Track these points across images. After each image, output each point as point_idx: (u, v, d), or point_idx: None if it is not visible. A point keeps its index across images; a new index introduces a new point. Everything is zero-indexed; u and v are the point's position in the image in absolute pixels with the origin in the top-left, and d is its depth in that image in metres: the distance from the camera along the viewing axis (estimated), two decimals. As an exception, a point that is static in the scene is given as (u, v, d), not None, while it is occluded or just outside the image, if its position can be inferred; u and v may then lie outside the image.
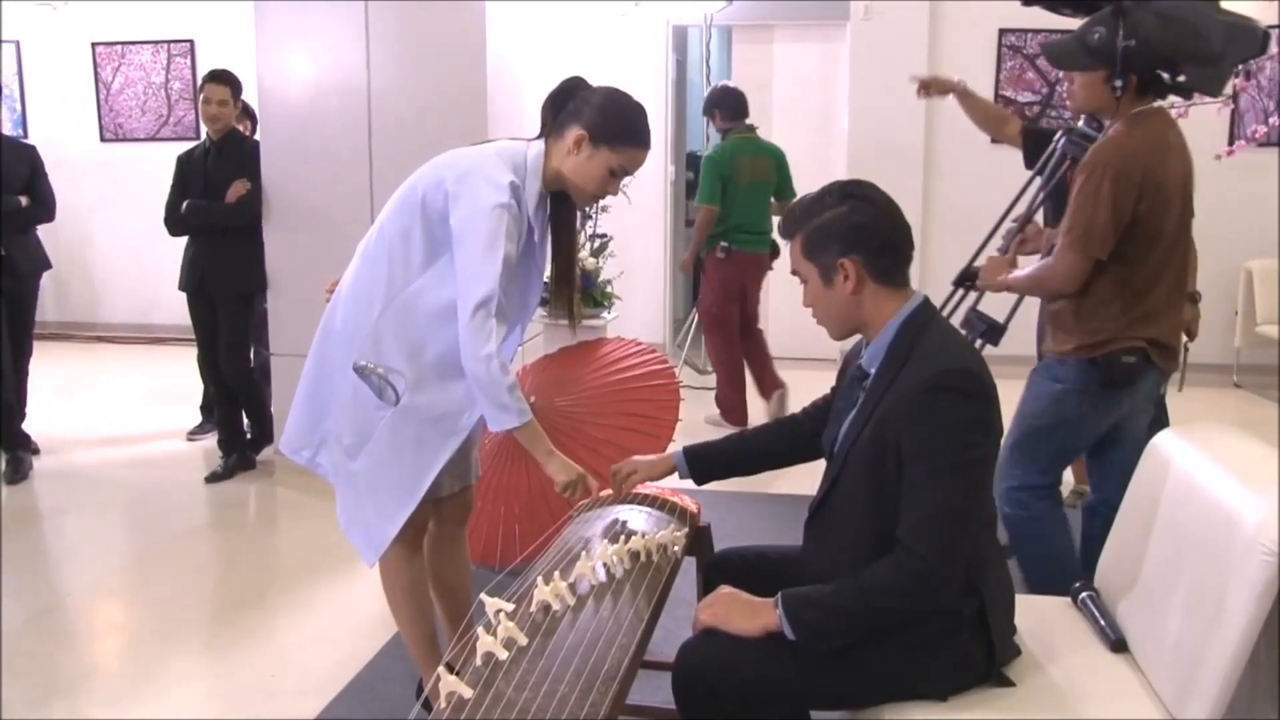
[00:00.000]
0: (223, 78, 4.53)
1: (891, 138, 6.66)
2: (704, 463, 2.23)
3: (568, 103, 2.25)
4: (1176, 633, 1.79)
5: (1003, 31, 6.37)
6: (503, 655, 1.58)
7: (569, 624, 1.70)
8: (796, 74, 7.01)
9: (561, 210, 2.38)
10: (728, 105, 5.39)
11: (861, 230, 1.83)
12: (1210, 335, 6.24)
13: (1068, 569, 2.72)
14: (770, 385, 5.26)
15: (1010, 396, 2.25)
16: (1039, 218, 3.16)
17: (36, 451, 4.77)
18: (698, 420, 5.22)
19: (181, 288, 4.71)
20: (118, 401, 5.65)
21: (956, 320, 2.76)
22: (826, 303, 1.89)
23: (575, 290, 2.49)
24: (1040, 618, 2.10)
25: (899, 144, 6.65)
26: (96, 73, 7.83)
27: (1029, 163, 3.41)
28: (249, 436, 4.80)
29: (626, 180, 2.32)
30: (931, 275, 5.95)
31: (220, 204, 4.50)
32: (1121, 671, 1.93)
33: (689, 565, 2.25)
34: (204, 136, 4.63)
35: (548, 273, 2.45)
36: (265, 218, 4.58)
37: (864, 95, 6.66)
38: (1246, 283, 6.26)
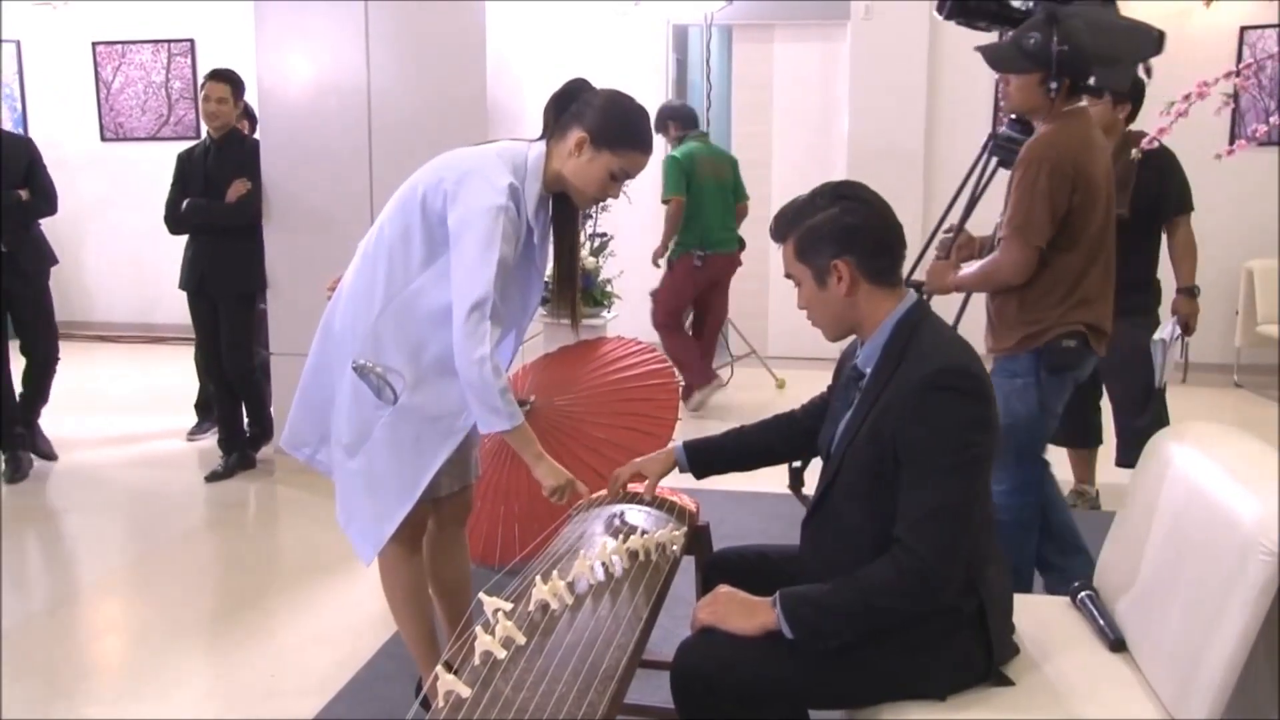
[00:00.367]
0: (223, 76, 4.53)
1: (892, 137, 6.66)
2: (704, 457, 2.24)
3: (570, 104, 2.25)
4: (1175, 632, 1.78)
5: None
6: (501, 654, 1.57)
7: (567, 623, 1.70)
8: (797, 73, 7.01)
9: (563, 211, 2.37)
10: (681, 116, 5.77)
11: (854, 231, 1.83)
12: (1211, 335, 6.29)
13: (1020, 579, 2.81)
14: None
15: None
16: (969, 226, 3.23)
17: (54, 457, 4.73)
18: (697, 419, 5.22)
19: (182, 287, 4.71)
20: (118, 401, 5.66)
21: None
22: (821, 304, 1.89)
23: (577, 291, 2.49)
24: (1039, 617, 2.10)
25: (899, 143, 6.65)
26: (97, 72, 7.84)
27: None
28: (249, 435, 4.80)
29: (627, 181, 2.32)
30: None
31: (221, 203, 4.50)
32: (1121, 671, 1.93)
33: (688, 564, 2.25)
34: (204, 135, 4.63)
35: (548, 273, 2.45)
36: (265, 217, 4.58)
37: (864, 95, 6.66)
38: (1247, 282, 6.25)
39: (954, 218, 3.13)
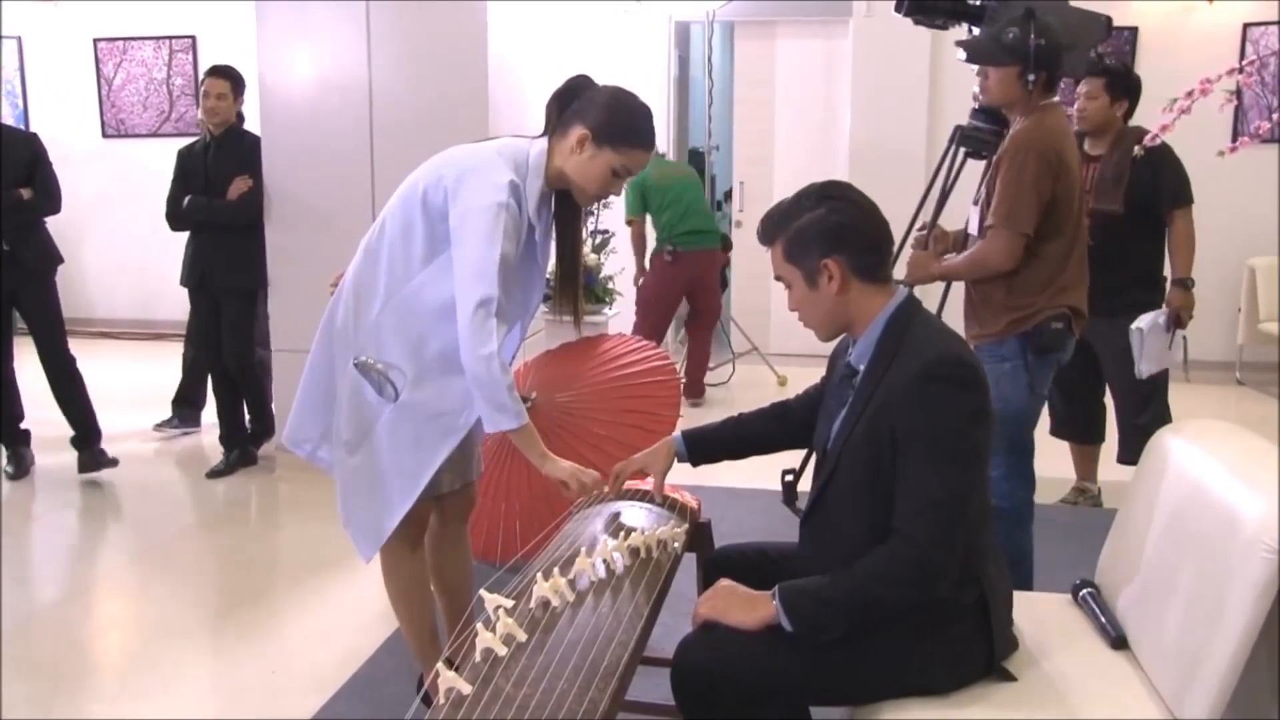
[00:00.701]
0: (222, 72, 4.52)
1: (894, 134, 6.66)
2: (701, 446, 2.25)
3: (572, 101, 2.24)
4: (1177, 630, 1.78)
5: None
6: (502, 651, 1.57)
7: (568, 620, 1.70)
8: (799, 71, 7.00)
9: (566, 209, 2.37)
10: None
11: (842, 230, 1.84)
12: (1213, 332, 6.29)
13: (1018, 578, 2.79)
14: (692, 389, 5.76)
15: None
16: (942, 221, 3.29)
17: (112, 464, 4.55)
18: (698, 417, 5.21)
19: (183, 283, 4.72)
20: (119, 397, 5.65)
21: None
22: (813, 305, 1.89)
23: (579, 288, 2.49)
24: (1040, 615, 2.10)
25: (901, 140, 6.64)
26: (98, 68, 7.84)
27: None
28: (250, 432, 4.80)
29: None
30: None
31: (222, 201, 4.50)
32: (1122, 669, 1.92)
33: (689, 561, 2.25)
34: (204, 132, 4.63)
35: (550, 269, 2.44)
36: (266, 215, 4.57)
37: (866, 92, 6.66)
38: (1249, 280, 6.25)
39: (927, 213, 3.18)
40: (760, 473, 2.40)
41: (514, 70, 4.56)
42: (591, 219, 5.23)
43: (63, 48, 7.84)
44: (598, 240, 5.21)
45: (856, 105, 6.70)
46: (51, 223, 4.69)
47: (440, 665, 1.50)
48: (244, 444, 4.74)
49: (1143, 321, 3.61)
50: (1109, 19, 2.85)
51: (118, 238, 7.89)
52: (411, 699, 2.59)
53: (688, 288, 5.84)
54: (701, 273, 5.82)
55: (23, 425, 4.61)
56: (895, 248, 3.24)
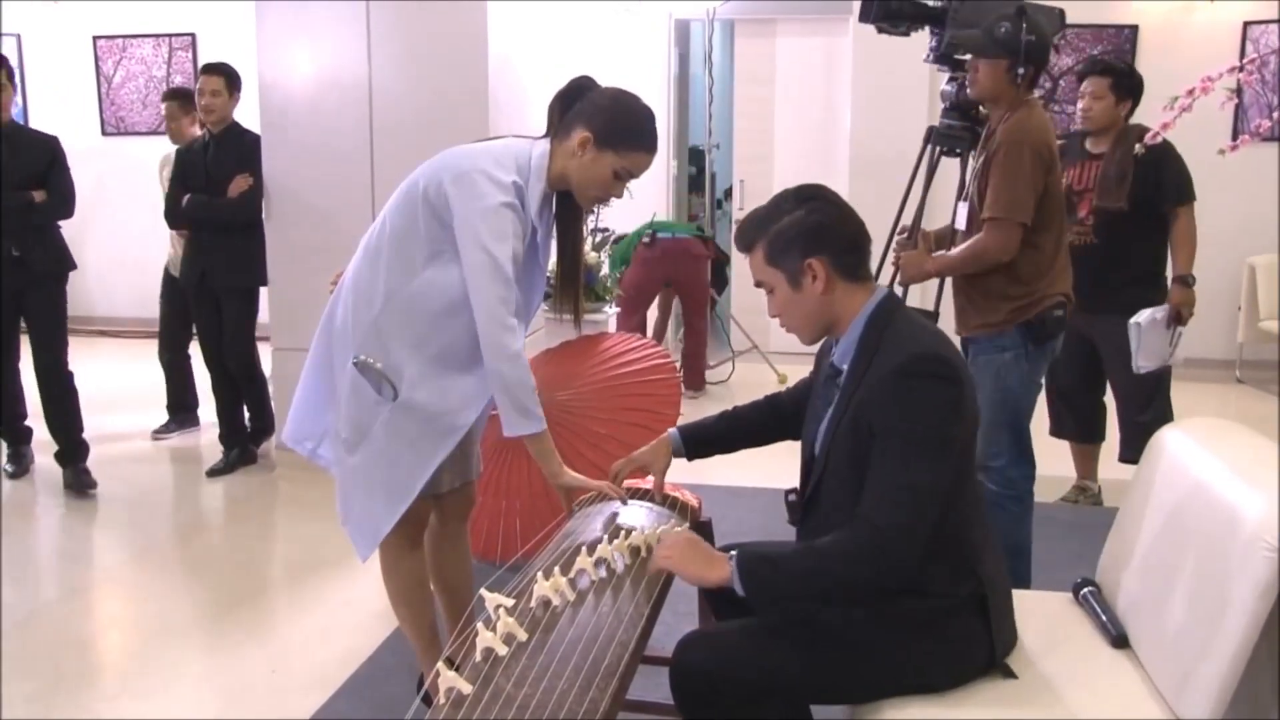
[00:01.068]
0: (217, 69, 4.51)
1: (894, 132, 6.63)
2: (697, 442, 2.26)
3: (575, 102, 2.24)
4: (1178, 629, 1.78)
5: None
6: (502, 651, 1.57)
7: (569, 619, 1.70)
8: (799, 68, 6.99)
9: (567, 210, 2.37)
10: None
11: (823, 230, 1.85)
12: (1213, 330, 6.28)
13: (1017, 569, 2.86)
14: (692, 379, 5.87)
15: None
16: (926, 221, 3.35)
17: (93, 485, 4.41)
18: (697, 410, 5.21)
19: (182, 282, 4.71)
20: (119, 395, 5.65)
21: None
22: (797, 306, 1.90)
23: (580, 289, 2.49)
24: (1041, 613, 2.09)
25: (902, 138, 6.60)
26: (98, 66, 7.83)
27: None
28: (250, 430, 4.80)
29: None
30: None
31: (222, 199, 4.49)
32: (1123, 668, 1.92)
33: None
34: (203, 130, 4.63)
35: (550, 268, 2.44)
36: (266, 213, 4.57)
37: (867, 90, 6.64)
38: (1250, 278, 6.24)
39: (907, 215, 3.24)
40: (761, 471, 2.40)
41: (514, 69, 4.56)
42: (592, 217, 5.23)
43: (62, 45, 7.83)
44: (598, 239, 5.20)
45: (857, 103, 6.69)
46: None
47: (441, 665, 1.50)
48: (244, 443, 4.73)
49: (1141, 316, 3.61)
50: (1063, 11, 2.93)
51: (117, 236, 7.87)
52: (412, 697, 2.59)
53: (668, 275, 5.93)
54: (680, 260, 5.91)
55: (25, 424, 4.60)
56: (882, 249, 3.30)
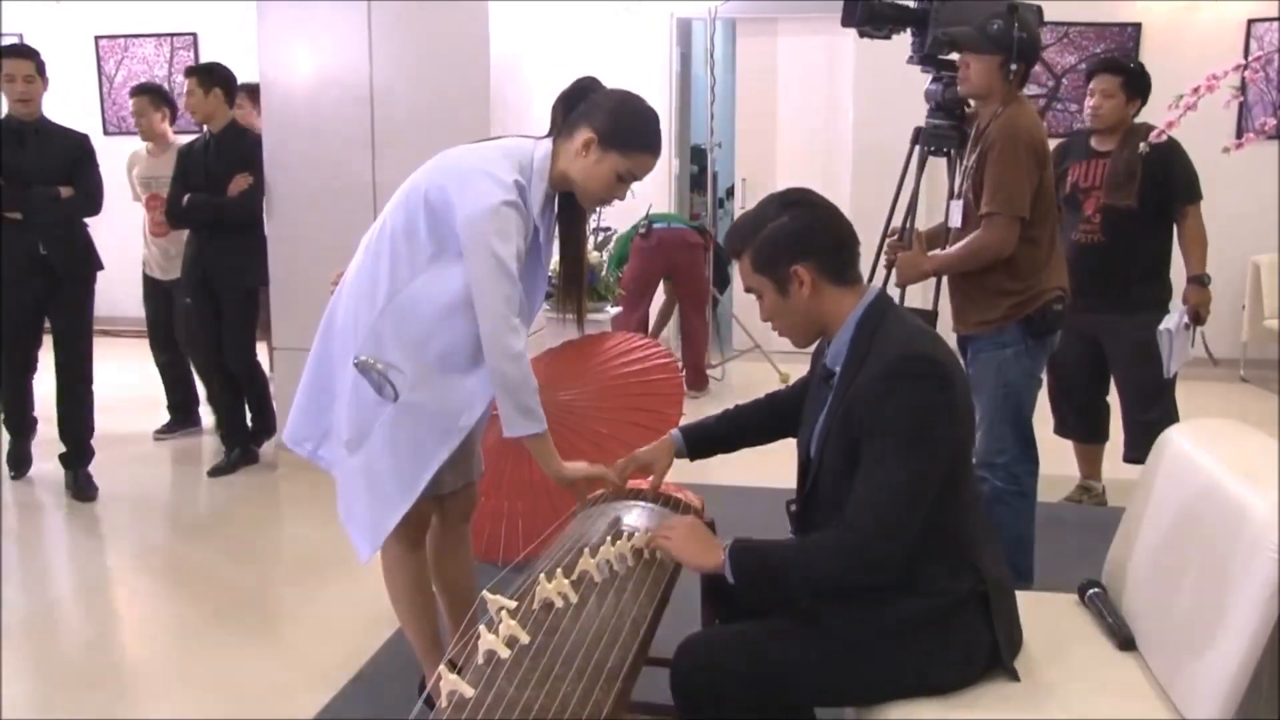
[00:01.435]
0: (191, 70, 4.55)
1: (897, 130, 6.59)
2: (700, 441, 2.26)
3: (579, 103, 2.23)
4: (1185, 631, 1.77)
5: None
6: (504, 653, 1.56)
7: (571, 622, 1.69)
8: (801, 67, 6.98)
9: (569, 210, 2.36)
10: None
11: (808, 235, 1.85)
12: (1217, 330, 6.25)
13: (1020, 563, 2.91)
14: (694, 379, 5.85)
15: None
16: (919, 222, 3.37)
17: (94, 494, 4.35)
18: (700, 410, 5.21)
19: (184, 282, 4.70)
20: (120, 395, 5.64)
21: None
22: (786, 312, 1.90)
23: (583, 289, 2.48)
24: (1047, 615, 2.08)
25: (905, 137, 6.58)
26: (99, 66, 7.83)
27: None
28: (251, 430, 4.79)
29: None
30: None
31: (222, 198, 4.48)
32: (1129, 670, 1.91)
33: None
34: (204, 130, 4.62)
35: (552, 267, 2.43)
36: (268, 212, 4.56)
37: (869, 88, 6.62)
38: (1254, 277, 6.22)
39: (896, 218, 3.26)
40: (762, 471, 2.39)
41: (516, 69, 4.55)
42: (594, 217, 5.23)
43: (64, 45, 7.81)
44: (600, 238, 5.20)
45: (859, 102, 6.67)
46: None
47: (442, 668, 1.49)
48: (245, 442, 4.73)
49: (1169, 322, 3.62)
50: (1040, 8, 2.95)
51: (118, 235, 7.84)
52: (414, 699, 2.58)
53: (666, 266, 5.92)
54: (676, 250, 5.90)
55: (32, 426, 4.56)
56: (874, 252, 3.30)
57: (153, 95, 5.02)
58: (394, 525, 2.26)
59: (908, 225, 3.24)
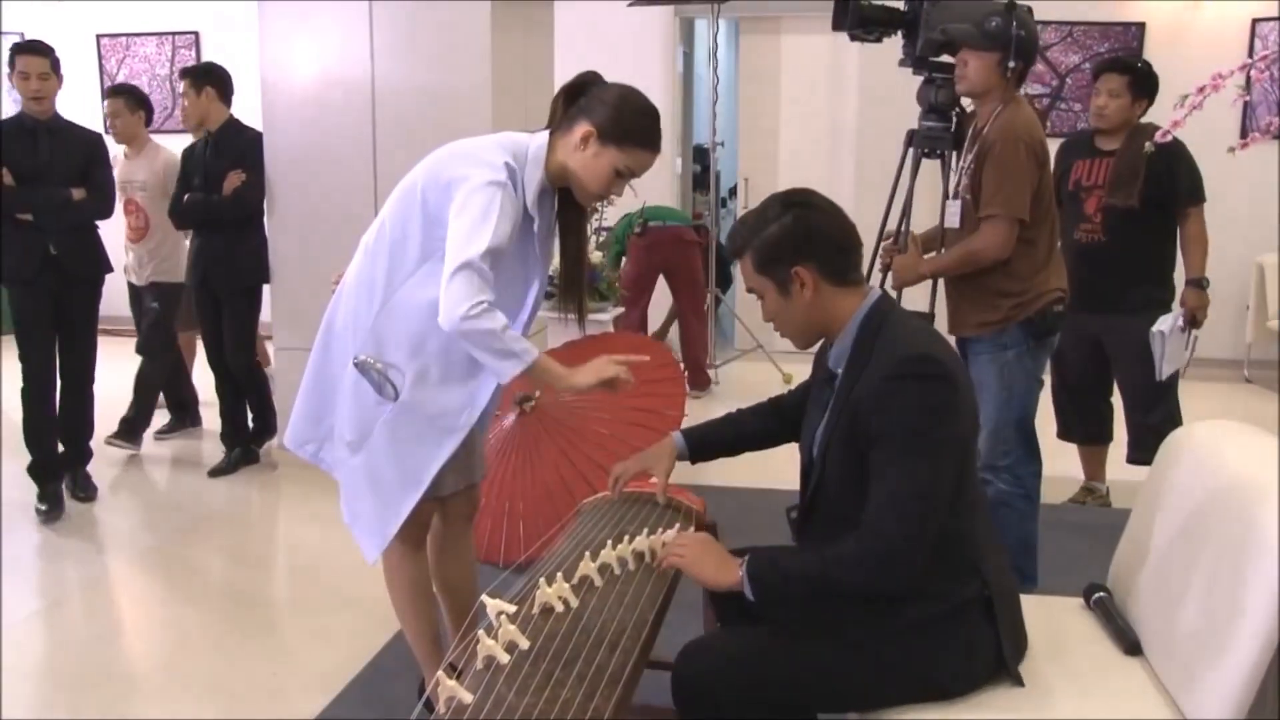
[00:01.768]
0: (188, 72, 4.55)
1: (900, 130, 6.59)
2: (701, 444, 2.24)
3: (580, 97, 2.21)
4: (1192, 635, 1.76)
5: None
6: (504, 659, 1.55)
7: (572, 626, 1.67)
8: (804, 65, 6.96)
9: (569, 210, 2.34)
10: None
11: (809, 236, 1.84)
12: (1221, 330, 6.24)
13: (1025, 566, 2.90)
14: (695, 378, 5.80)
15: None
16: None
17: (93, 495, 4.31)
18: (701, 411, 5.20)
19: (187, 282, 4.69)
20: (120, 395, 5.64)
21: None
22: (788, 313, 1.89)
23: (584, 289, 2.46)
24: (1052, 619, 2.07)
25: (908, 137, 6.60)
26: (101, 64, 7.82)
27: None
28: (252, 430, 4.78)
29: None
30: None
31: (217, 197, 4.46)
32: (1136, 674, 1.90)
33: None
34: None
35: (553, 267, 2.42)
36: (269, 211, 4.55)
37: (872, 87, 6.60)
38: (1258, 277, 6.20)
39: (891, 221, 3.25)
40: (764, 472, 2.38)
41: (518, 66, 4.53)
42: (595, 216, 5.22)
43: (65, 44, 7.76)
44: (600, 238, 5.19)
45: (862, 100, 6.66)
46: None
47: (441, 674, 1.48)
48: (246, 442, 4.72)
49: (1163, 324, 3.59)
50: (1030, 8, 2.94)
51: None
52: (414, 701, 2.57)
53: (662, 264, 5.87)
54: (672, 247, 5.85)
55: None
56: (870, 254, 3.30)
57: (128, 97, 4.99)
58: (399, 524, 2.25)
59: (903, 228, 3.22)
